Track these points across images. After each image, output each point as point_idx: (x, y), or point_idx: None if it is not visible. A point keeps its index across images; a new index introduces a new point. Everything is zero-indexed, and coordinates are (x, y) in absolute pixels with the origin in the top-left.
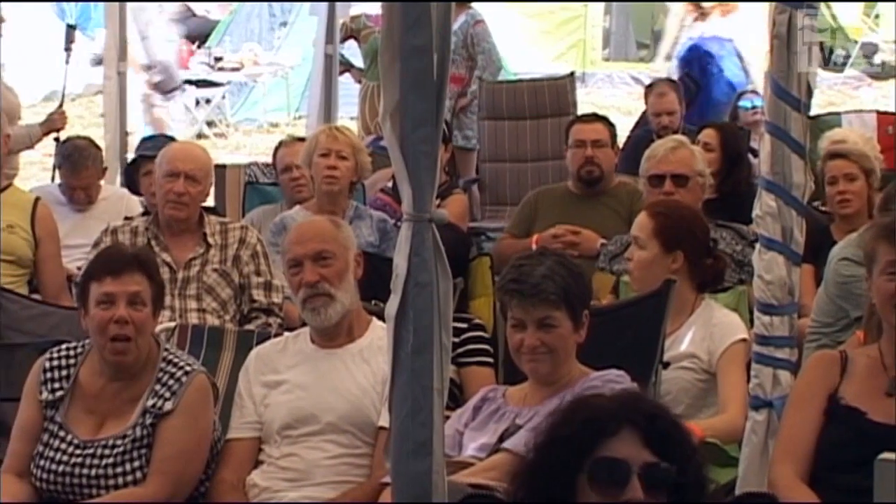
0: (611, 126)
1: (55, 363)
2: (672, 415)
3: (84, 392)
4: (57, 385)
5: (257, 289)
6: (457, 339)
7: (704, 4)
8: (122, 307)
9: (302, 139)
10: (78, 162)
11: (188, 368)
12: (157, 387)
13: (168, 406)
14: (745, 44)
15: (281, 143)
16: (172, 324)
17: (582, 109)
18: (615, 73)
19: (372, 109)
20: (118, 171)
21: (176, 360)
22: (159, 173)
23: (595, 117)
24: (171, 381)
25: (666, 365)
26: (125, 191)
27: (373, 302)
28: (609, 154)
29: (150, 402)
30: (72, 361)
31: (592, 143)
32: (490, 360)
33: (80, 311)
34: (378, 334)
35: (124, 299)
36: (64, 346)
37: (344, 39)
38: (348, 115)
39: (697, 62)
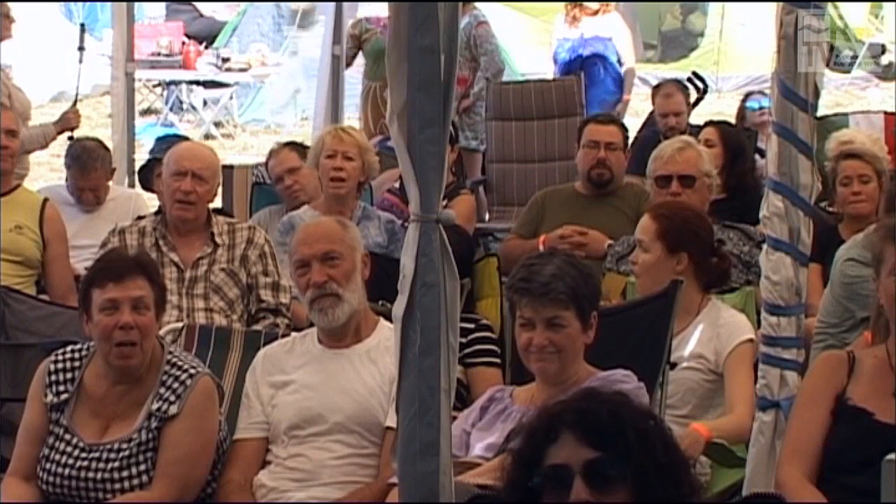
0: (624, 130)
1: (60, 365)
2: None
3: (89, 395)
4: (62, 388)
5: (265, 289)
6: (464, 340)
7: (587, 5)
8: (127, 312)
9: (290, 143)
10: (87, 163)
11: (192, 371)
12: (162, 390)
13: (173, 410)
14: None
15: (270, 154)
16: (180, 324)
17: (589, 110)
18: None
19: (375, 110)
20: (126, 172)
21: (180, 362)
22: (166, 173)
23: (610, 119)
24: (175, 385)
25: (673, 365)
26: (134, 191)
27: (380, 302)
28: (620, 158)
29: (155, 406)
30: (76, 364)
31: (606, 146)
32: (497, 360)
33: (83, 317)
34: (385, 335)
35: (128, 304)
36: (69, 349)
37: (354, 53)
38: (356, 115)
39: (580, 63)
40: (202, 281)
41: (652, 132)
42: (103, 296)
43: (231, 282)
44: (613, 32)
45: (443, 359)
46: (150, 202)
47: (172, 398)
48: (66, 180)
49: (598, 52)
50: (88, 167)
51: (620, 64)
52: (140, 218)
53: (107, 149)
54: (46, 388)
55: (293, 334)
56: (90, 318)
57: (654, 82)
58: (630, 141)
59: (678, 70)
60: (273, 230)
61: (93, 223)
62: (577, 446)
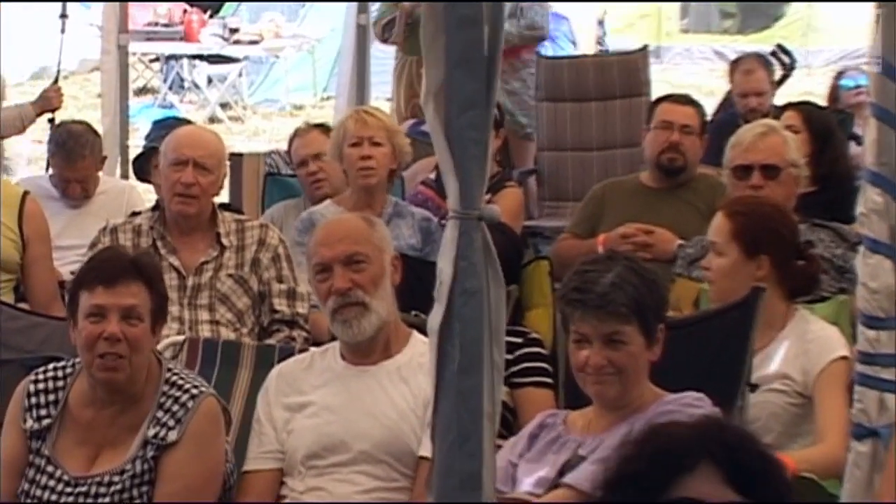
0: (702, 113)
1: (41, 385)
2: (760, 445)
3: (75, 419)
4: (43, 412)
5: (279, 297)
6: (510, 356)
7: None
8: (114, 322)
9: (320, 126)
10: (73, 150)
11: (194, 391)
12: (160, 413)
13: (172, 436)
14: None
15: (295, 133)
16: (181, 337)
17: (656, 89)
18: (695, 46)
19: (410, 89)
20: (119, 161)
21: (181, 381)
22: (164, 162)
23: (687, 100)
24: (175, 407)
25: (753, 387)
26: (127, 183)
27: (413, 313)
28: (696, 144)
29: (152, 432)
30: (60, 384)
31: (680, 128)
32: (549, 380)
33: (69, 323)
34: (419, 350)
35: (117, 313)
36: (51, 366)
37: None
38: (384, 95)
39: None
40: (207, 289)
41: (729, 115)
42: (91, 300)
43: (240, 290)
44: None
45: (486, 378)
46: (147, 196)
47: (171, 423)
48: (49, 170)
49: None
50: (75, 155)
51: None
52: (135, 214)
53: (96, 134)
54: (26, 412)
55: (312, 349)
56: (76, 325)
57: (733, 57)
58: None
59: (760, 43)
60: (289, 228)
61: (80, 220)
62: (719, 484)
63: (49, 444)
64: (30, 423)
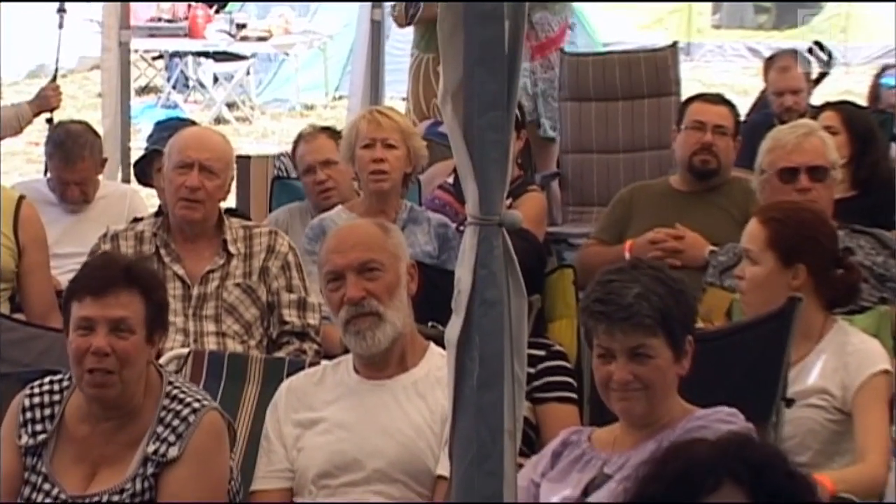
0: (736, 113)
1: (37, 400)
2: (788, 464)
3: (72, 435)
4: (39, 427)
5: (289, 308)
6: (532, 370)
7: None
8: (102, 335)
9: (327, 129)
10: (72, 151)
11: (196, 405)
12: (160, 429)
13: (173, 452)
14: None
15: (300, 137)
16: (185, 350)
17: (686, 88)
18: (727, 43)
19: (427, 87)
20: (120, 164)
21: (182, 395)
22: (168, 165)
23: (720, 99)
24: (175, 422)
25: (789, 402)
26: (129, 187)
27: (430, 324)
28: (730, 145)
29: (151, 448)
30: (56, 398)
31: (713, 128)
32: (573, 395)
33: (67, 335)
34: (436, 363)
35: (105, 325)
36: (47, 380)
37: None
38: (399, 94)
39: None
40: (213, 299)
41: (764, 115)
42: (79, 312)
43: (248, 300)
44: None
45: (507, 393)
46: (149, 201)
47: (172, 438)
48: (47, 173)
49: None
50: (74, 156)
51: None
52: (137, 220)
53: (96, 134)
54: (21, 427)
55: (323, 362)
56: (68, 336)
57: (767, 54)
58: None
59: (797, 39)
60: (295, 234)
61: (79, 226)
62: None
63: (45, 460)
64: (25, 438)
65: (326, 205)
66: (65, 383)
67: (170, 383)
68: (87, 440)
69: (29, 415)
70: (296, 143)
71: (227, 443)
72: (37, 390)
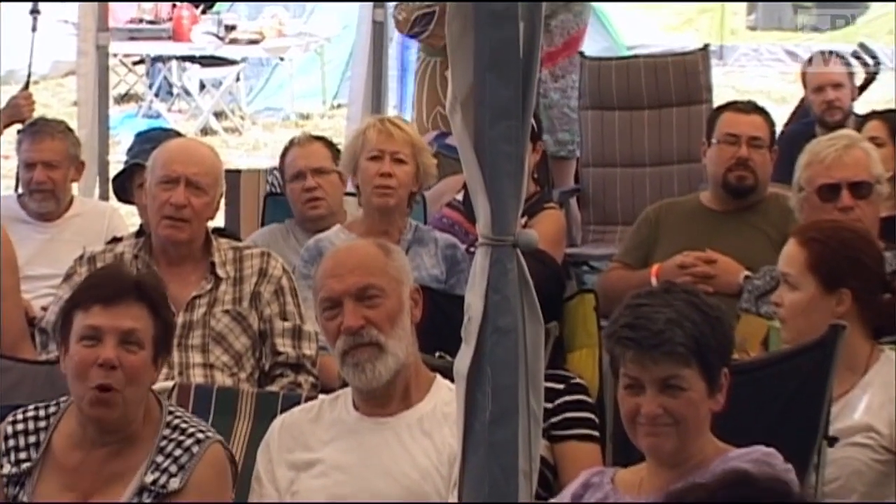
0: (770, 122)
1: (20, 427)
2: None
3: (60, 463)
4: (23, 455)
5: (283, 336)
6: (550, 405)
7: None
8: (111, 346)
9: (321, 138)
10: (42, 129)
11: (200, 436)
12: (159, 458)
13: (174, 484)
14: None
15: (291, 143)
16: (170, 383)
17: (719, 96)
18: (764, 46)
19: (432, 95)
20: (98, 179)
21: (184, 425)
22: (152, 180)
23: (752, 107)
24: (177, 451)
25: (832, 440)
26: (107, 204)
27: (437, 354)
28: (766, 158)
29: (150, 478)
30: (42, 424)
31: (748, 141)
32: (594, 432)
33: (60, 350)
34: (443, 398)
35: (114, 336)
36: (32, 406)
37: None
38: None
39: None
40: (199, 327)
41: (804, 125)
42: (85, 321)
43: (238, 328)
44: None
45: (521, 430)
46: (130, 220)
47: (173, 469)
48: (18, 188)
49: None
50: (43, 134)
51: None
52: (116, 240)
53: (75, 135)
54: (2, 457)
55: (321, 397)
56: (67, 349)
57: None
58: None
59: (840, 41)
60: (280, 255)
61: (52, 245)
62: None
63: (29, 489)
64: (7, 468)
65: (313, 215)
66: (51, 409)
67: (170, 412)
68: (77, 469)
69: (12, 442)
70: (286, 149)
71: (230, 479)
72: (20, 416)
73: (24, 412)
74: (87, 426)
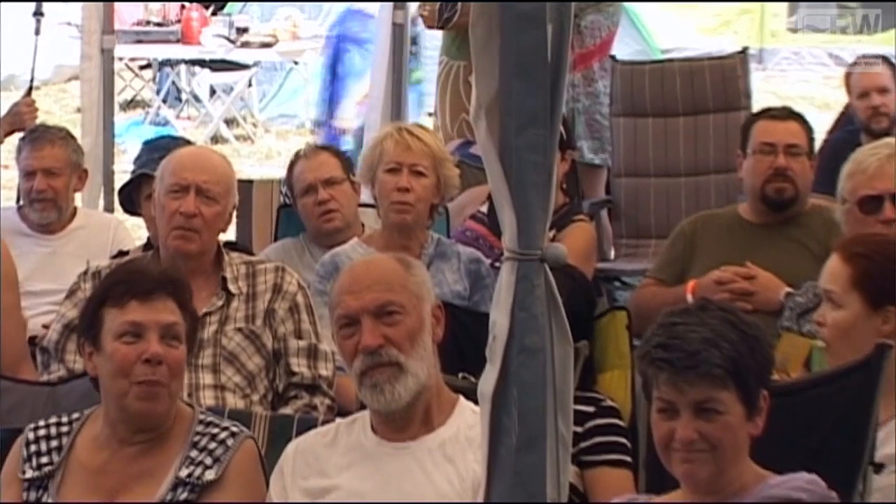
0: (808, 128)
1: (42, 433)
2: None
3: (83, 465)
4: (45, 459)
5: (298, 356)
6: (580, 429)
7: None
8: (155, 341)
9: (328, 148)
10: (43, 136)
11: (234, 429)
12: (193, 453)
13: (210, 475)
14: None
15: (297, 157)
16: None
17: (758, 102)
18: (806, 49)
19: (456, 101)
20: (103, 190)
21: (217, 421)
22: (161, 189)
23: (788, 113)
24: (212, 445)
25: (878, 467)
26: (113, 216)
27: (460, 375)
28: (806, 167)
29: (185, 472)
30: (64, 429)
31: (786, 149)
32: (626, 458)
33: (83, 351)
34: (467, 421)
35: (156, 331)
36: (53, 418)
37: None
38: (424, 108)
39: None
40: (210, 346)
41: (848, 133)
42: (123, 317)
43: (251, 347)
44: None
45: (549, 456)
46: (136, 232)
47: (209, 461)
48: (19, 201)
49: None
50: (43, 140)
51: None
52: (122, 254)
53: (77, 143)
54: (24, 462)
55: (337, 420)
56: (99, 349)
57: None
58: (818, 146)
59: (887, 44)
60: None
61: (55, 260)
62: None
63: (52, 491)
64: (29, 472)
65: (328, 228)
66: (74, 415)
67: (202, 412)
68: (103, 469)
69: (34, 448)
70: (292, 163)
71: (262, 475)
72: (42, 423)
73: (45, 419)
74: (119, 425)
